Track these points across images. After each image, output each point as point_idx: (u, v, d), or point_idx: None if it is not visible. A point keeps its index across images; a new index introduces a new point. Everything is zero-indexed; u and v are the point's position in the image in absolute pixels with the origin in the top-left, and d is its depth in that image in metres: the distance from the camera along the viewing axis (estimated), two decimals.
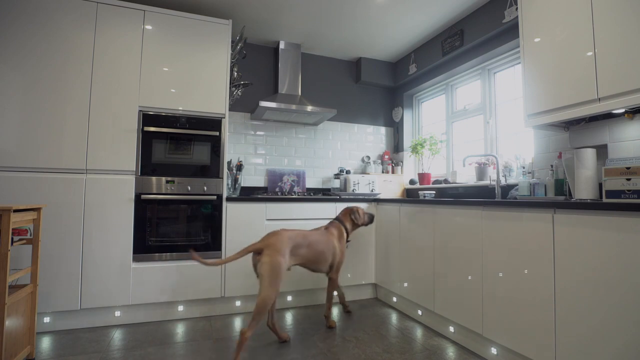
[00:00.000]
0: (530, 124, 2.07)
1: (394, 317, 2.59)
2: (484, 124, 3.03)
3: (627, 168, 1.53)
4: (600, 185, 1.89)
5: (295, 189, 3.50)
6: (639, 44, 1.55)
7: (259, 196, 2.85)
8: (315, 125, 3.70)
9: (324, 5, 2.83)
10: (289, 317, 2.58)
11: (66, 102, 2.33)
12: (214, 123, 2.69)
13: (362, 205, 3.04)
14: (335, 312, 2.71)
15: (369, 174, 3.70)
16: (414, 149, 3.64)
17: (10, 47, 2.23)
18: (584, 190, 1.83)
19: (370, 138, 3.95)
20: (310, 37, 3.37)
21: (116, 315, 2.39)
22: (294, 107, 3.13)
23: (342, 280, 2.90)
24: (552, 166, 2.10)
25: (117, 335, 2.21)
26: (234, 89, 3.12)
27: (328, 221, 2.93)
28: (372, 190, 3.33)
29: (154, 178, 2.51)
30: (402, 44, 3.50)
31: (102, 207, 2.35)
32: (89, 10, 2.41)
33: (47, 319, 2.26)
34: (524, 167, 2.45)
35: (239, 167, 3.10)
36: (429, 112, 3.84)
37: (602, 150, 1.98)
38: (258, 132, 3.47)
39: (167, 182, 2.53)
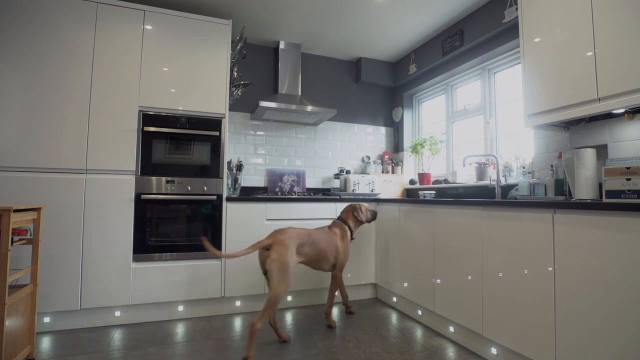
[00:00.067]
0: (530, 124, 2.07)
1: (394, 317, 2.59)
2: (484, 124, 3.03)
3: (627, 168, 1.53)
4: (600, 185, 1.89)
5: (295, 189, 3.50)
6: (639, 44, 1.55)
7: (259, 196, 2.85)
8: (315, 125, 3.70)
9: (324, 5, 2.83)
10: (289, 317, 2.58)
11: (66, 102, 2.33)
12: (214, 123, 2.69)
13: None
14: (336, 312, 2.71)
15: (369, 174, 3.70)
16: (414, 149, 3.64)
17: (10, 47, 2.23)
18: (584, 190, 1.83)
19: (370, 138, 3.95)
20: (310, 37, 3.37)
21: (116, 315, 2.39)
22: (294, 107, 3.13)
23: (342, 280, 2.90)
24: (552, 166, 2.10)
25: (117, 335, 2.21)
26: (234, 89, 3.12)
27: (328, 221, 2.93)
28: (372, 190, 3.33)
29: (154, 178, 2.51)
30: (402, 44, 3.50)
31: (102, 207, 2.35)
32: (89, 10, 2.41)
33: (47, 319, 2.26)
34: (524, 167, 2.45)
35: (239, 167, 3.10)
36: (429, 112, 3.84)
37: (602, 150, 1.98)
38: (258, 132, 3.47)
39: (167, 182, 2.53)
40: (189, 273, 2.52)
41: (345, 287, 2.96)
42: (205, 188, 2.62)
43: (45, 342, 2.09)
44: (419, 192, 3.27)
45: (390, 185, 3.72)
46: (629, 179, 1.51)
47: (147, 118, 2.51)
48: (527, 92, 2.08)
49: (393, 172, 3.84)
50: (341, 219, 2.56)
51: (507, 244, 1.80)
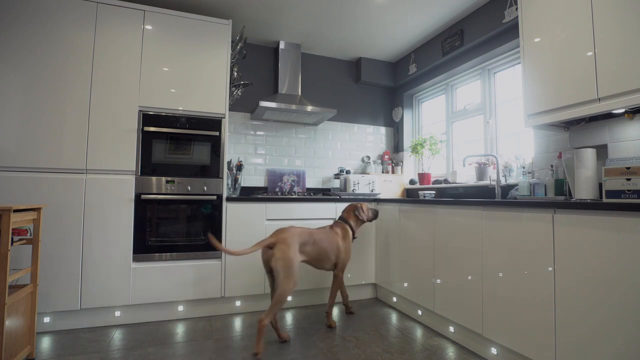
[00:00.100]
0: (530, 124, 2.07)
1: (394, 317, 2.59)
2: (484, 124, 3.03)
3: (627, 168, 1.53)
4: (600, 185, 1.89)
5: (295, 189, 3.50)
6: (639, 44, 1.55)
7: (259, 196, 2.85)
8: (315, 125, 3.70)
9: (324, 5, 2.83)
10: (289, 317, 2.58)
11: (66, 102, 2.33)
12: (214, 123, 2.69)
13: None
14: (336, 312, 2.71)
15: (369, 174, 3.70)
16: (414, 149, 3.64)
17: (10, 47, 2.23)
18: (584, 190, 1.83)
19: (370, 138, 3.95)
20: (310, 37, 3.37)
21: (116, 315, 2.39)
22: (294, 107, 3.13)
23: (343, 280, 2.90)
24: (552, 166, 2.10)
25: (117, 335, 2.21)
26: (234, 89, 3.12)
27: (328, 221, 2.93)
28: (372, 190, 3.33)
29: (154, 178, 2.51)
30: (402, 44, 3.50)
31: (102, 207, 2.35)
32: (89, 10, 2.41)
33: (47, 319, 2.26)
34: (524, 167, 2.45)
35: (239, 167, 3.10)
36: (429, 112, 3.84)
37: (602, 150, 1.98)
38: (258, 132, 3.47)
39: (167, 182, 2.53)
40: (189, 273, 2.52)
41: (346, 287, 2.96)
42: (205, 188, 2.62)
43: (45, 342, 2.09)
44: (419, 192, 3.27)
45: (390, 185, 3.72)
46: (629, 179, 1.51)
47: (147, 118, 2.51)
48: (527, 92, 2.08)
49: (393, 172, 3.84)
50: (342, 219, 2.57)
51: (507, 244, 1.80)
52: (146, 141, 2.50)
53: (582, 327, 1.44)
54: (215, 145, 2.68)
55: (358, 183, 3.30)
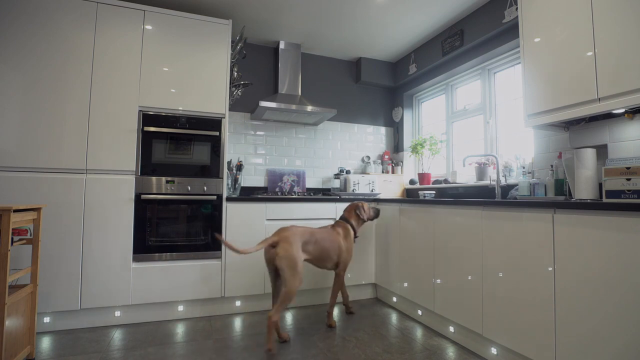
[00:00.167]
0: (530, 124, 2.07)
1: (394, 317, 2.59)
2: (484, 124, 3.03)
3: (627, 168, 1.53)
4: (600, 185, 1.89)
5: (295, 189, 3.50)
6: (639, 44, 1.55)
7: (259, 196, 2.85)
8: (315, 125, 3.70)
9: (324, 5, 2.83)
10: (289, 317, 2.58)
11: (66, 102, 2.33)
12: (214, 123, 2.69)
13: None
14: (336, 312, 2.71)
15: (369, 174, 3.70)
16: (414, 149, 3.64)
17: (10, 47, 2.23)
18: (584, 190, 1.83)
19: (370, 138, 3.95)
20: (310, 37, 3.37)
21: (116, 315, 2.39)
22: (294, 107, 3.13)
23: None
24: (552, 166, 2.10)
25: (117, 335, 2.21)
26: (234, 89, 3.12)
27: (328, 221, 2.93)
28: (372, 190, 3.33)
29: (154, 178, 2.51)
30: (402, 44, 3.50)
31: (102, 207, 2.35)
32: (89, 10, 2.41)
33: (47, 319, 2.25)
34: (524, 167, 2.45)
35: (239, 167, 3.10)
36: (429, 112, 3.84)
37: (602, 150, 1.98)
38: (258, 132, 3.47)
39: (167, 182, 2.53)
40: (189, 273, 2.52)
41: (346, 287, 2.96)
42: (205, 188, 2.62)
43: (45, 342, 2.09)
44: (419, 192, 3.27)
45: (390, 185, 3.72)
46: (629, 179, 1.51)
47: (147, 118, 2.51)
48: (527, 92, 2.08)
49: (393, 172, 3.84)
50: (344, 218, 2.57)
51: (507, 244, 1.80)
52: (146, 141, 2.50)
53: (582, 327, 1.44)
54: (215, 145, 2.68)
55: (358, 183, 3.30)
